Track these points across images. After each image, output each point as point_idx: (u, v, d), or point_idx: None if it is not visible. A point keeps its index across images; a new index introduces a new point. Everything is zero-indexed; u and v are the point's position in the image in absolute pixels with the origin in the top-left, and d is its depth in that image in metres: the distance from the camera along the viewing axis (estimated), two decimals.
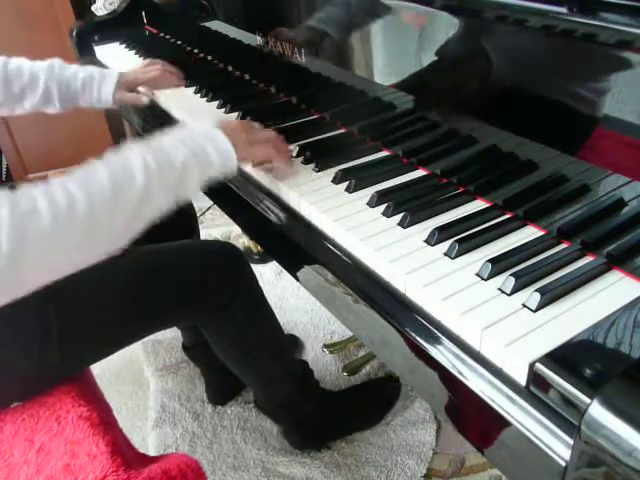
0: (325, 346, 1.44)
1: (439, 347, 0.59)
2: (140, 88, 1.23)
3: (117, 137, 2.35)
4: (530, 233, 0.70)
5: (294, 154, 0.92)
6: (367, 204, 0.78)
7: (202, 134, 0.78)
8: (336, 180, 0.84)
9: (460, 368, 0.57)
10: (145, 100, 1.21)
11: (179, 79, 1.28)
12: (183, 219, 1.25)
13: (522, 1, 0.68)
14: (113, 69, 1.20)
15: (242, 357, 1.13)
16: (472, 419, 0.61)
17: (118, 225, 0.68)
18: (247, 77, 1.26)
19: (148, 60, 1.30)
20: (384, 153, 0.91)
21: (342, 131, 1.00)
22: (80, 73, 1.14)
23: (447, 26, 0.77)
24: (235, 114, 1.08)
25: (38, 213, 0.61)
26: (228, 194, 0.96)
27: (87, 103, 1.17)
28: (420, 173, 0.85)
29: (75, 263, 0.67)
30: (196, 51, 1.45)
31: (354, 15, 0.93)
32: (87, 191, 0.65)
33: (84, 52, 1.64)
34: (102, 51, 1.62)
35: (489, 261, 0.63)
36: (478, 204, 0.77)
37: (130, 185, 0.68)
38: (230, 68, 1.32)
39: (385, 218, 0.75)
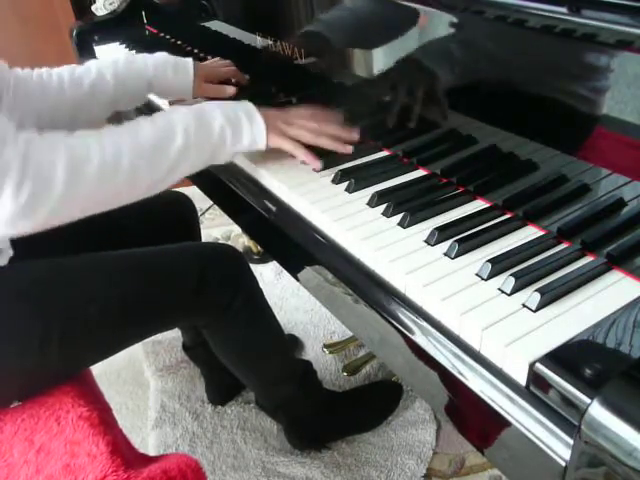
0: (325, 346, 1.44)
1: (439, 347, 0.59)
2: None
3: None
4: (530, 233, 0.70)
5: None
6: (367, 204, 0.78)
7: (243, 110, 0.84)
8: (336, 180, 0.84)
9: (460, 368, 0.57)
10: (232, 91, 1.13)
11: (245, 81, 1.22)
12: (184, 220, 1.25)
13: (522, 1, 0.68)
14: (187, 58, 1.11)
15: (242, 358, 1.13)
16: (472, 419, 0.61)
17: (155, 178, 0.78)
18: (247, 77, 1.26)
19: (217, 58, 1.24)
20: (384, 153, 0.91)
21: None
22: (150, 60, 1.07)
23: (447, 26, 0.77)
24: None
25: (90, 160, 0.71)
26: (228, 194, 0.96)
27: (161, 92, 1.10)
28: (420, 173, 0.85)
29: (114, 202, 0.77)
30: (196, 51, 1.45)
31: (354, 15, 0.93)
32: (133, 145, 0.75)
33: (84, 52, 1.64)
34: (102, 51, 1.62)
35: (489, 261, 0.63)
36: (478, 204, 0.77)
37: (170, 145, 0.77)
38: None
39: (385, 218, 0.75)
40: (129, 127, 0.78)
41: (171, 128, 0.78)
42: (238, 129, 0.83)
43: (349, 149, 0.89)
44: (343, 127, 0.91)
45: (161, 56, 1.08)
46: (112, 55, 1.58)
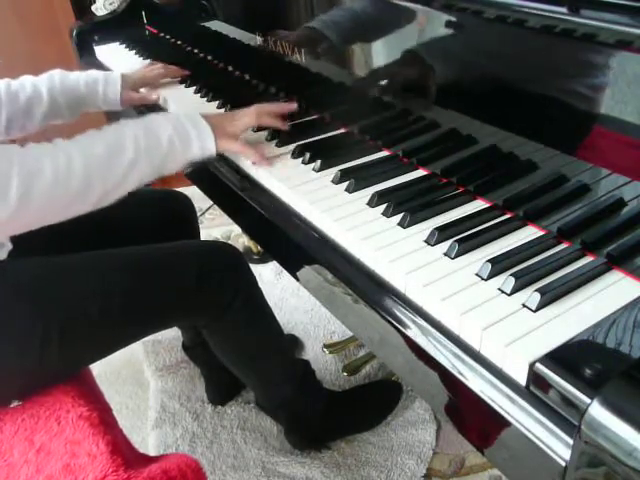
0: (325, 346, 1.44)
1: (439, 347, 0.59)
2: (142, 89, 1.23)
3: None
4: (530, 233, 0.70)
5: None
6: (367, 204, 0.78)
7: (189, 120, 0.87)
8: (336, 180, 0.84)
9: (460, 368, 0.57)
10: (155, 97, 1.22)
11: (182, 74, 1.30)
12: (182, 220, 1.25)
13: (522, 1, 0.68)
14: (115, 71, 1.20)
15: (242, 358, 1.13)
16: (472, 419, 0.61)
17: (106, 188, 0.80)
18: (247, 77, 1.26)
19: (149, 61, 1.33)
20: (384, 153, 0.91)
21: (342, 131, 1.00)
22: (82, 78, 1.13)
23: (447, 26, 0.77)
24: None
25: (42, 173, 0.73)
26: (228, 194, 0.96)
27: (94, 106, 1.17)
28: (420, 173, 0.85)
29: (67, 214, 0.79)
30: (196, 51, 1.45)
31: (354, 15, 0.93)
32: (85, 157, 0.77)
33: (84, 52, 1.64)
34: (102, 51, 1.62)
35: (489, 261, 0.63)
36: (478, 204, 0.77)
37: (121, 156, 0.80)
38: (230, 68, 1.32)
39: (385, 218, 0.75)
40: (80, 140, 0.80)
41: (121, 140, 0.81)
42: (186, 138, 0.86)
43: (285, 126, 0.97)
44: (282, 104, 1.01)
45: (91, 73, 1.15)
46: (111, 55, 1.59)
